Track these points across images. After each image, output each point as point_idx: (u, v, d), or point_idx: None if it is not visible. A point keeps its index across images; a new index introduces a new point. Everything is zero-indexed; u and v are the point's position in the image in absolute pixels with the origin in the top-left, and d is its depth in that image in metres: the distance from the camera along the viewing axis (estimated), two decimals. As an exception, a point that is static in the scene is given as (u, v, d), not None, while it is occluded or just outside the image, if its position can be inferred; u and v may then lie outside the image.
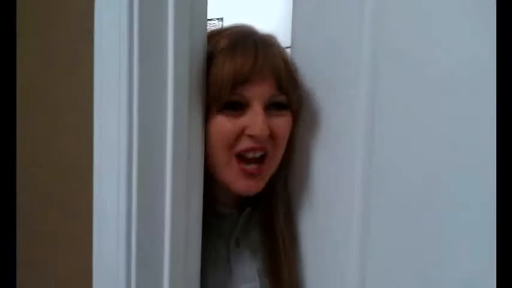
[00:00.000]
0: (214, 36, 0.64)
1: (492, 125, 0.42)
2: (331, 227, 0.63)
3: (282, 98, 0.62)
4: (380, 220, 0.55)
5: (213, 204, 0.67)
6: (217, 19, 3.30)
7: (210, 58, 0.61)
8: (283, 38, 0.69)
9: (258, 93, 0.60)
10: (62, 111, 0.64)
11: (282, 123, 0.63)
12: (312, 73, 0.66)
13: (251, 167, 0.61)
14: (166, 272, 0.56)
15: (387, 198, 0.55)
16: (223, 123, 0.60)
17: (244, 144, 0.60)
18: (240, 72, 0.58)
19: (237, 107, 0.60)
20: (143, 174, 0.52)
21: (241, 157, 0.62)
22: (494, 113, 0.42)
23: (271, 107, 0.62)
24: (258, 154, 0.62)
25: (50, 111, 0.66)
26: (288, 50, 0.68)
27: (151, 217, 0.54)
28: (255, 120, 0.59)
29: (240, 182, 0.62)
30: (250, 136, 0.60)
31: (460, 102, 0.46)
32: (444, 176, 0.48)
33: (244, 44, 0.60)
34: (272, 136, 0.62)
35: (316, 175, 0.66)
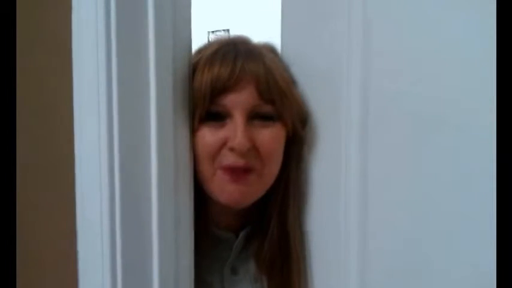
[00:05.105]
0: (207, 46, 0.63)
1: (492, 129, 0.40)
2: (326, 248, 0.60)
3: (267, 109, 0.58)
4: (377, 232, 0.53)
5: (208, 227, 0.64)
6: (224, 30, 3.30)
7: (195, 68, 0.59)
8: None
9: (238, 103, 0.57)
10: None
11: (267, 135, 0.58)
12: (303, 84, 0.63)
13: (236, 174, 0.57)
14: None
15: (383, 206, 0.52)
16: (204, 135, 0.58)
17: (227, 159, 0.57)
18: (217, 80, 0.56)
19: (220, 118, 0.58)
20: (127, 192, 0.50)
21: (226, 169, 0.58)
22: (494, 118, 0.40)
23: (256, 118, 0.58)
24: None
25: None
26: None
27: (137, 237, 0.51)
28: (234, 131, 0.56)
29: (225, 190, 0.58)
30: (231, 149, 0.56)
31: (457, 105, 0.45)
32: (443, 179, 0.46)
33: (225, 52, 0.58)
34: (257, 149, 0.58)
35: (311, 190, 0.62)
